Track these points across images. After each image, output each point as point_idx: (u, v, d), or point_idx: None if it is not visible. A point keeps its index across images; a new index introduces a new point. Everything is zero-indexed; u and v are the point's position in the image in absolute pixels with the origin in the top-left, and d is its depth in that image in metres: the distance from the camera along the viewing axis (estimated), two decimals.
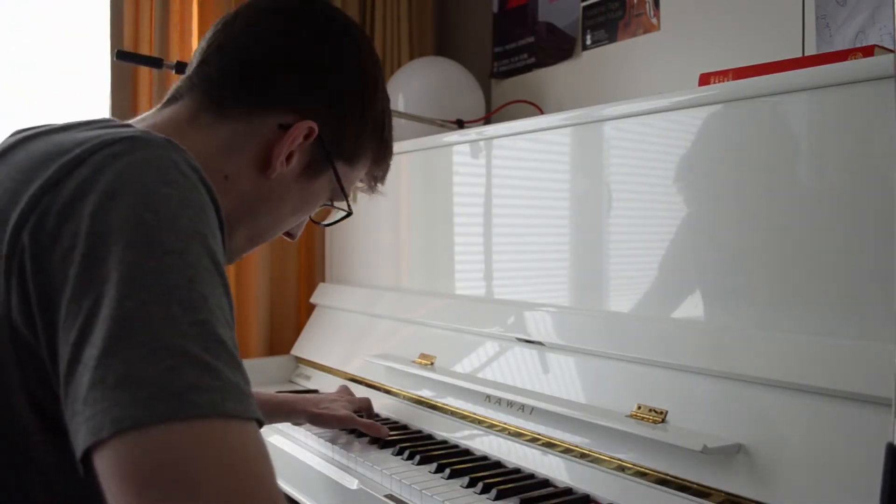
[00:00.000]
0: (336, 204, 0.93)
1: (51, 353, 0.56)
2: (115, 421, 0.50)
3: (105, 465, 0.51)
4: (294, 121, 0.80)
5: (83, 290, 0.55)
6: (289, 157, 0.81)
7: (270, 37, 0.82)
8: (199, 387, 0.52)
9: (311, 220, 0.95)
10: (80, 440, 0.51)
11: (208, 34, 0.84)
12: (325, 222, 0.98)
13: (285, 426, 1.54)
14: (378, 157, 0.92)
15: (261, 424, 0.57)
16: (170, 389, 0.51)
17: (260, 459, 0.54)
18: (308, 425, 1.47)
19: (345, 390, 1.60)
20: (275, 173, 0.81)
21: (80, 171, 0.59)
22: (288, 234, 0.93)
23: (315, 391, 1.89)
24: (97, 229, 0.56)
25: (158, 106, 0.83)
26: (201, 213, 0.61)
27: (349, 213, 0.94)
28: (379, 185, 0.97)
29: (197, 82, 0.81)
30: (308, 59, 0.82)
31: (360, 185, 0.96)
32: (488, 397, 1.38)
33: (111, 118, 0.73)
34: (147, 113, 0.83)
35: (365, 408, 1.53)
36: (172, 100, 0.82)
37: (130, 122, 0.78)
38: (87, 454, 0.51)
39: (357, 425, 1.42)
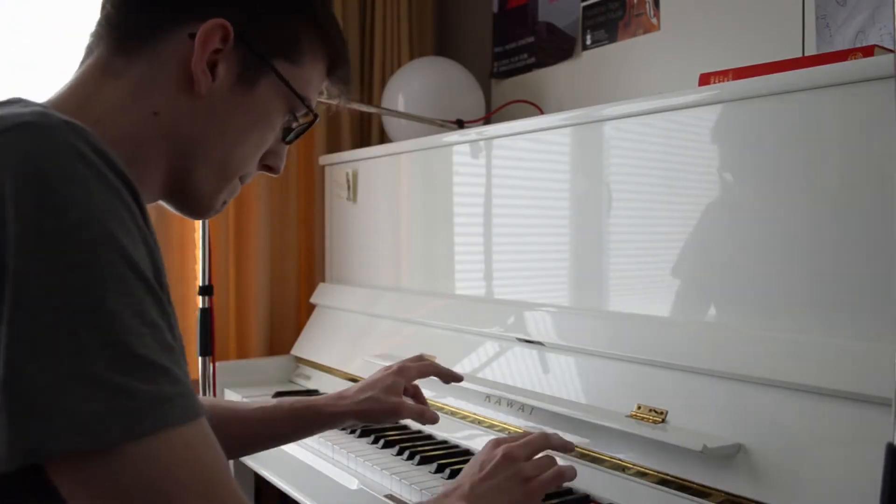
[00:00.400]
0: (300, 116, 0.82)
1: None
2: (23, 453, 0.50)
3: (57, 482, 0.52)
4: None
5: None
6: (213, 68, 0.73)
7: None
8: (113, 412, 0.51)
9: (284, 141, 0.84)
10: None
11: None
12: (289, 137, 0.84)
13: None
14: (327, 48, 0.82)
15: (202, 415, 0.56)
16: (81, 419, 0.50)
17: (198, 466, 0.54)
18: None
19: (398, 370, 1.18)
20: (203, 89, 0.72)
21: None
22: (267, 167, 0.84)
23: (315, 391, 1.89)
24: None
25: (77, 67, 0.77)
26: (110, 210, 0.55)
27: (315, 118, 0.83)
28: (348, 87, 0.87)
29: (101, 31, 0.75)
30: None
31: (331, 94, 0.87)
32: (488, 397, 1.38)
33: (21, 98, 0.65)
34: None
35: (433, 373, 1.20)
36: (85, 57, 0.75)
37: (53, 94, 0.74)
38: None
39: (407, 415, 1.12)
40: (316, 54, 0.81)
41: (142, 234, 0.58)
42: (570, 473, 0.95)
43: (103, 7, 0.76)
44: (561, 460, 1.17)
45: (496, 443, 0.94)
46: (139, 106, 0.72)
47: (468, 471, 0.91)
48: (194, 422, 0.56)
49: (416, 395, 1.18)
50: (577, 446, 1.18)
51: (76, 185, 0.54)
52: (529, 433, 0.99)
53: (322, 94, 0.86)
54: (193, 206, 0.79)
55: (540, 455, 0.95)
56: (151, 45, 0.72)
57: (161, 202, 0.79)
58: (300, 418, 1.08)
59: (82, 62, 0.75)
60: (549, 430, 1.09)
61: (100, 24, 0.75)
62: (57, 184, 0.53)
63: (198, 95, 0.73)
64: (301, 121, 0.83)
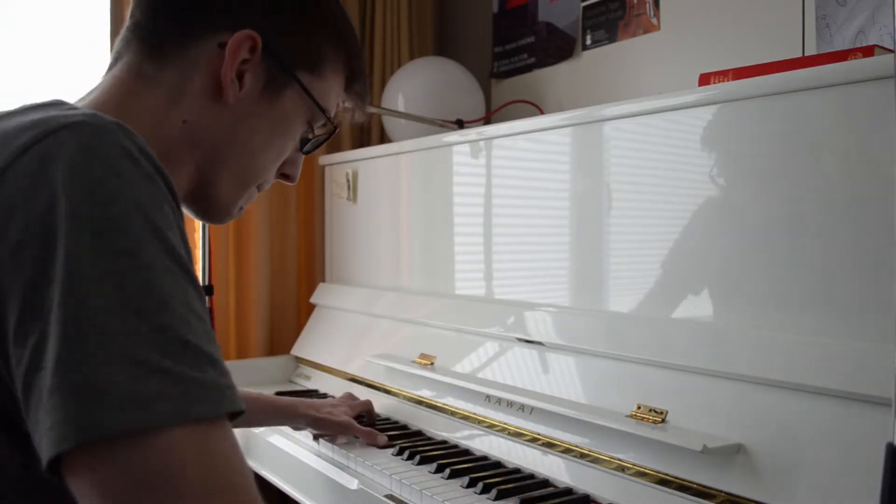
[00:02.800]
0: (317, 128, 0.85)
1: (2, 352, 0.54)
2: (79, 430, 0.49)
3: (76, 476, 0.51)
4: (232, 36, 0.75)
5: (35, 294, 0.52)
6: (241, 78, 0.75)
7: None
8: (162, 395, 0.51)
9: (302, 151, 0.87)
10: (43, 449, 0.50)
11: None
12: (307, 147, 0.87)
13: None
14: (347, 61, 0.85)
15: (239, 413, 0.56)
16: (134, 399, 0.50)
17: (232, 459, 0.54)
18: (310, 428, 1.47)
19: (348, 397, 1.58)
20: (230, 97, 0.75)
21: (25, 162, 0.56)
22: (285, 175, 0.87)
23: (315, 391, 1.89)
24: (44, 228, 0.53)
25: (105, 71, 0.79)
26: (156, 205, 0.57)
27: (335, 129, 0.87)
28: (364, 100, 0.90)
29: (131, 36, 0.77)
30: None
31: (346, 105, 0.90)
32: (488, 397, 1.38)
33: (62, 100, 0.67)
34: (96, 83, 0.78)
35: (367, 411, 1.53)
36: (114, 62, 0.77)
37: (83, 96, 0.76)
38: (55, 462, 0.50)
39: (356, 433, 1.42)
40: (336, 67, 0.83)
41: (181, 231, 0.60)
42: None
43: (132, 14, 0.78)
44: (561, 459, 1.18)
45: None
46: (171, 113, 0.74)
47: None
48: (224, 420, 0.55)
49: (370, 412, 1.54)
50: (577, 446, 1.18)
51: (124, 180, 0.56)
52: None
53: (339, 106, 0.89)
54: (213, 211, 0.83)
55: None
56: (182, 53, 0.75)
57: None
58: (279, 411, 1.39)
59: (111, 67, 0.77)
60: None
61: (129, 30, 0.77)
62: (106, 178, 0.55)
63: (225, 104, 0.75)
64: (318, 132, 0.85)
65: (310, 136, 0.85)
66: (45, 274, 0.52)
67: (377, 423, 1.52)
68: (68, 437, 0.49)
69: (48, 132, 0.57)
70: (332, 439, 1.43)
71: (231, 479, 0.53)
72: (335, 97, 0.85)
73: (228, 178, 0.80)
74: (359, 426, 1.43)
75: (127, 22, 0.79)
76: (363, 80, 0.88)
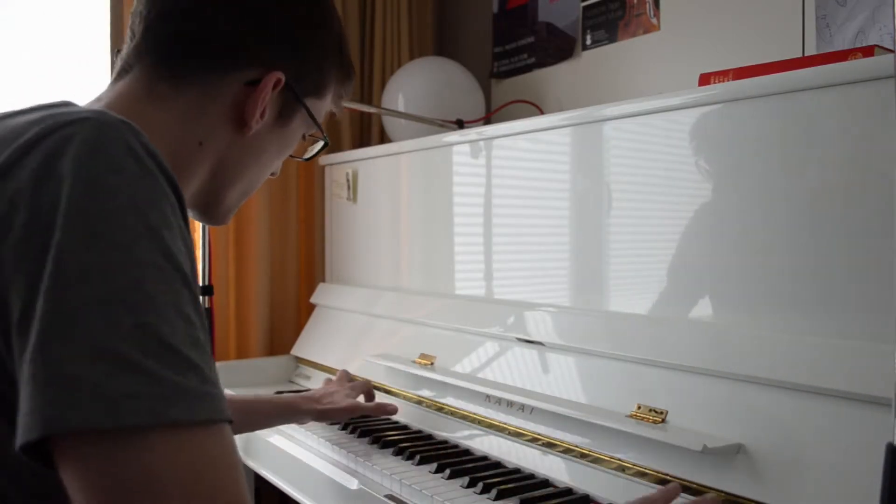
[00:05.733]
0: (309, 135, 0.92)
1: (6, 342, 0.55)
2: (44, 422, 0.49)
3: (60, 467, 0.51)
4: (260, 75, 0.78)
5: (33, 286, 0.53)
6: (262, 111, 0.80)
7: None
8: (136, 394, 0.50)
9: (292, 156, 0.94)
10: (17, 436, 0.51)
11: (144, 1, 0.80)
12: (307, 156, 0.97)
13: (286, 425, 1.54)
14: (341, 76, 0.91)
15: (224, 421, 0.55)
16: (103, 396, 0.50)
17: (217, 466, 0.53)
18: (312, 422, 1.45)
19: (344, 376, 1.58)
20: (252, 129, 0.80)
21: (32, 157, 0.57)
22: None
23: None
24: (46, 222, 0.54)
25: (111, 81, 0.80)
26: (153, 203, 0.57)
27: (326, 143, 0.95)
28: (343, 102, 0.96)
29: (145, 51, 0.77)
30: (256, 8, 0.79)
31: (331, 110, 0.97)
32: (488, 397, 1.38)
33: (70, 101, 0.69)
34: (102, 91, 0.80)
35: (366, 391, 1.52)
36: (122, 72, 0.79)
37: (90, 102, 0.77)
38: (28, 449, 0.51)
39: (364, 410, 1.42)
40: (334, 87, 0.90)
41: (181, 231, 0.60)
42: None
43: (148, 31, 0.78)
44: (561, 459, 1.18)
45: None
46: (186, 134, 0.77)
47: None
48: (218, 425, 0.55)
49: (369, 393, 1.52)
50: (577, 446, 1.18)
51: (124, 176, 0.57)
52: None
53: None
54: (216, 216, 0.88)
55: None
56: (203, 81, 0.77)
57: None
58: (281, 411, 1.35)
59: (116, 79, 0.79)
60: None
61: (145, 42, 0.78)
62: (107, 172, 0.56)
63: (244, 134, 0.80)
64: (308, 137, 0.92)
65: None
66: (41, 266, 0.53)
67: (377, 421, 1.52)
68: (32, 429, 0.49)
69: (55, 128, 0.58)
70: (332, 437, 1.43)
71: (214, 485, 0.53)
72: (326, 107, 0.93)
73: (235, 190, 0.86)
74: (364, 404, 1.44)
75: (139, 32, 0.78)
76: (350, 87, 0.94)
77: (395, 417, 1.55)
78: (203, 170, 0.81)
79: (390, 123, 2.27)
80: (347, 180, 2.12)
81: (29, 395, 0.50)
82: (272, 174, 0.93)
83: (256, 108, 0.79)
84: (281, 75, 0.79)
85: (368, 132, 2.44)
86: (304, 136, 0.91)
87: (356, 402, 1.43)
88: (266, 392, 1.90)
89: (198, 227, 1.91)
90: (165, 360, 0.52)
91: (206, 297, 1.85)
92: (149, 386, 0.51)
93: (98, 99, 0.78)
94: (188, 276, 0.58)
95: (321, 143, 0.96)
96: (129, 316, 0.52)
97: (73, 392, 0.50)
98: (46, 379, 0.50)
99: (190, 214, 0.86)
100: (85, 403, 0.49)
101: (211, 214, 0.88)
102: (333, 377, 1.62)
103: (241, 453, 1.60)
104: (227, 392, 1.57)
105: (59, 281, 0.52)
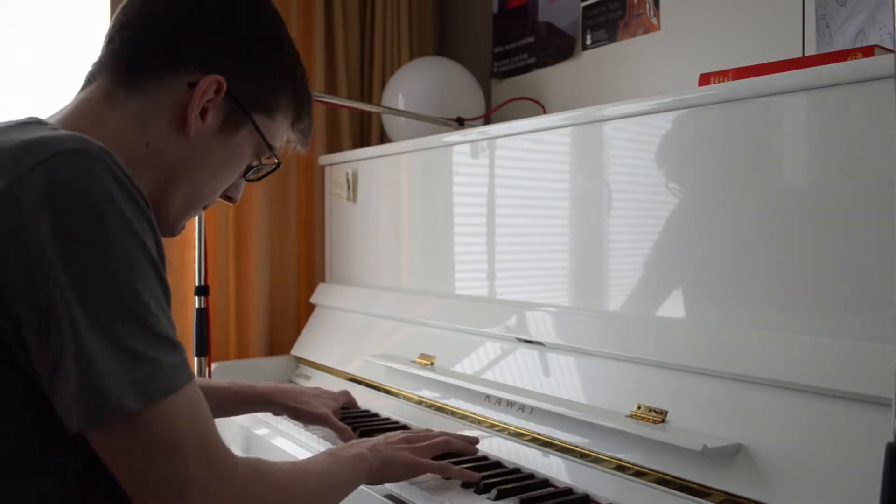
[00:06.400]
0: (264, 159, 0.95)
1: (17, 338, 0.68)
2: (96, 412, 0.67)
3: (107, 441, 0.70)
4: (201, 78, 0.84)
5: (47, 306, 0.67)
6: (204, 114, 0.85)
7: (169, 4, 0.86)
8: (153, 377, 0.70)
9: (244, 177, 0.96)
10: (73, 423, 0.68)
11: (115, 16, 0.88)
12: (253, 175, 0.98)
13: (287, 426, 1.54)
14: (297, 108, 0.95)
15: (194, 376, 0.75)
16: (132, 383, 0.68)
17: (200, 409, 0.75)
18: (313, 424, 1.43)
19: (342, 395, 1.52)
20: (192, 131, 0.85)
21: (30, 183, 0.67)
22: (227, 197, 0.97)
23: None
24: (51, 246, 0.66)
25: (78, 91, 0.87)
26: (136, 218, 0.71)
27: (279, 164, 0.97)
28: (307, 138, 1.00)
29: (107, 61, 0.85)
30: (208, 19, 0.86)
31: (291, 140, 0.99)
32: (488, 397, 1.38)
33: (38, 118, 0.81)
34: (70, 101, 0.87)
35: (349, 403, 1.52)
36: (87, 83, 0.86)
37: (54, 114, 0.84)
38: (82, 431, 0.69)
39: (330, 426, 1.36)
40: (287, 112, 0.94)
41: (155, 238, 0.74)
42: (457, 444, 1.20)
43: (112, 41, 0.86)
44: (561, 459, 1.18)
45: (403, 432, 1.19)
46: (136, 136, 0.84)
47: (375, 438, 1.16)
48: (194, 380, 0.75)
49: (350, 402, 1.54)
50: (577, 446, 1.18)
51: (111, 202, 0.69)
52: (433, 434, 1.19)
53: (284, 141, 0.99)
54: (161, 225, 0.89)
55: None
56: (153, 84, 0.84)
57: None
58: (246, 400, 1.35)
59: (84, 87, 0.86)
60: (458, 435, 1.24)
61: (105, 55, 0.86)
62: (101, 202, 0.68)
63: (186, 135, 0.85)
64: (264, 161, 0.96)
65: (254, 164, 0.95)
66: (48, 288, 0.66)
67: (377, 421, 1.53)
68: (86, 420, 0.68)
69: (43, 160, 0.68)
70: (332, 437, 1.43)
71: (203, 422, 0.76)
72: (282, 134, 0.96)
73: (180, 197, 0.89)
74: (335, 421, 1.37)
75: (104, 47, 0.87)
76: (309, 121, 0.99)
77: (395, 417, 1.55)
78: (149, 173, 0.84)
79: (390, 123, 2.27)
80: (347, 180, 2.12)
81: (72, 392, 0.67)
82: (229, 199, 0.97)
83: (195, 106, 0.83)
84: (221, 79, 0.84)
85: (368, 132, 2.44)
86: (258, 159, 0.94)
87: (328, 413, 1.37)
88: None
89: (194, 228, 1.92)
90: (162, 348, 0.71)
91: (202, 298, 1.85)
92: (157, 369, 0.70)
93: (62, 108, 0.85)
94: (162, 273, 0.74)
95: (273, 165, 0.97)
96: (137, 322, 0.69)
97: (109, 387, 0.67)
98: (89, 381, 0.67)
99: None
100: (118, 394, 0.67)
101: (158, 221, 0.88)
102: (331, 375, 1.62)
103: (242, 453, 1.60)
104: (203, 380, 1.54)
105: (79, 300, 0.67)
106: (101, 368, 0.67)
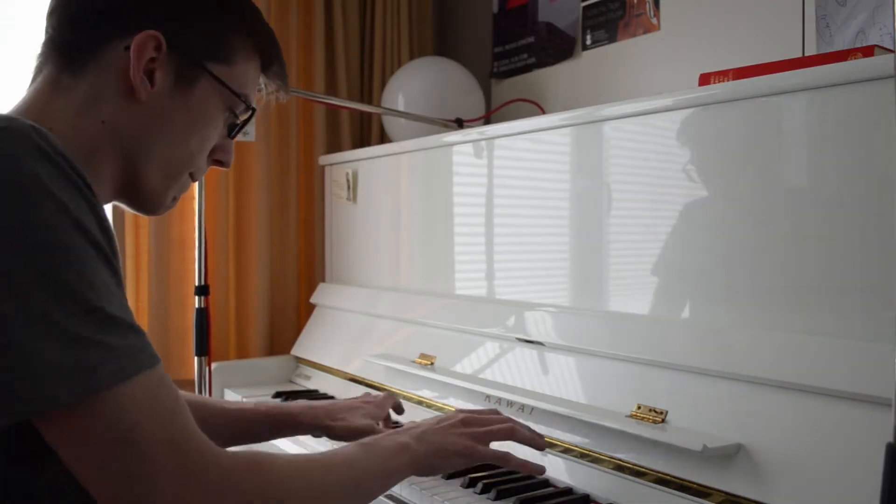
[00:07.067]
0: (240, 113, 0.89)
1: None
2: (36, 402, 0.61)
3: (59, 439, 0.64)
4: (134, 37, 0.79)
5: None
6: (151, 75, 0.80)
7: None
8: (102, 362, 0.63)
9: (230, 137, 0.91)
10: (16, 411, 0.62)
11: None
12: (234, 133, 0.91)
13: None
14: (259, 48, 0.89)
15: (159, 360, 0.69)
16: (77, 370, 0.62)
17: (167, 395, 0.68)
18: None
19: (387, 400, 1.29)
20: (143, 95, 0.80)
21: None
22: (217, 161, 0.91)
23: (315, 391, 1.89)
24: None
25: (28, 84, 0.84)
26: (72, 198, 0.65)
27: (254, 110, 0.90)
28: (284, 82, 0.94)
29: (47, 51, 0.82)
30: None
31: (270, 88, 0.94)
32: (488, 397, 1.38)
33: None
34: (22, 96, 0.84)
35: (397, 407, 1.29)
36: (35, 76, 0.83)
37: (6, 111, 0.80)
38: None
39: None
40: (248, 53, 0.88)
41: (97, 217, 0.68)
42: (523, 434, 1.04)
43: (47, 31, 0.83)
44: (561, 459, 1.18)
45: (461, 412, 1.03)
46: (88, 117, 0.79)
47: (427, 421, 1.00)
48: (158, 365, 0.68)
49: (397, 406, 1.29)
50: (576, 446, 1.18)
51: (36, 180, 0.63)
52: (496, 418, 1.04)
53: (261, 89, 0.93)
54: (144, 202, 0.87)
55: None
56: (94, 61, 0.80)
57: (116, 203, 0.87)
58: (276, 423, 1.17)
59: (32, 81, 0.83)
60: (522, 423, 1.08)
61: (45, 45, 0.82)
62: (27, 183, 0.63)
63: (140, 102, 0.80)
64: (242, 117, 0.90)
65: (236, 122, 0.89)
66: None
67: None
68: (19, 413, 0.62)
69: None
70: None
71: (167, 407, 0.68)
72: (253, 81, 0.90)
73: (154, 169, 0.84)
74: (381, 431, 1.16)
75: (43, 38, 0.83)
76: (280, 62, 0.92)
77: (395, 418, 1.55)
78: (114, 150, 0.81)
79: (390, 123, 2.27)
80: (347, 180, 2.12)
81: (12, 381, 0.61)
82: (221, 163, 0.91)
83: (137, 70, 0.78)
84: (156, 34, 0.79)
85: (368, 132, 2.44)
86: (235, 115, 0.89)
87: (370, 424, 1.18)
88: (265, 392, 1.90)
89: (194, 227, 1.91)
90: (113, 331, 0.65)
91: (202, 298, 1.85)
92: (106, 354, 0.64)
93: (14, 107, 0.82)
94: (109, 255, 0.68)
95: (248, 113, 0.91)
96: (78, 303, 0.63)
97: (48, 377, 0.61)
98: (20, 371, 0.61)
99: (124, 207, 0.88)
100: (59, 384, 0.61)
101: (140, 201, 0.86)
102: (331, 375, 1.61)
103: None
104: (236, 402, 1.29)
105: (9, 287, 0.61)
106: (36, 360, 0.61)
